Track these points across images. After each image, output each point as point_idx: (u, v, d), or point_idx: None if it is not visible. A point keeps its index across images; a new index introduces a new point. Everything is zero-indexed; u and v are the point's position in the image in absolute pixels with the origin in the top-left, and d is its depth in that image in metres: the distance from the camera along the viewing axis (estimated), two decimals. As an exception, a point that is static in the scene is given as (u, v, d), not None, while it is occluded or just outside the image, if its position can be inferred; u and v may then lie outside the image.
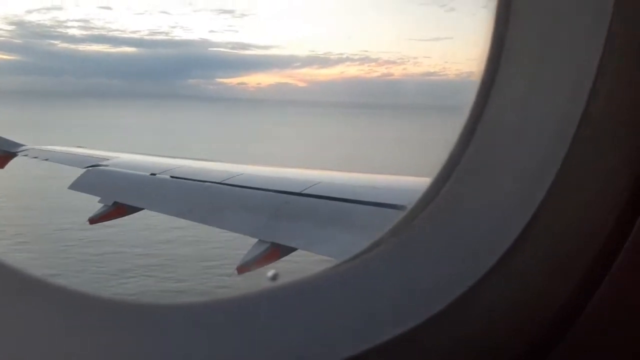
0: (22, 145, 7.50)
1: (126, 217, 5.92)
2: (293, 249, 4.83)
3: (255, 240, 4.88)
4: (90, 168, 6.33)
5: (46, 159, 7.14)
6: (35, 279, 1.11)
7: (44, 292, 1.12)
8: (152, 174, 6.14)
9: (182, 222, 6.55)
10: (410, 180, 5.28)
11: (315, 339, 1.12)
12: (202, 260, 15.45)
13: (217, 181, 5.72)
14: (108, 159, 6.58)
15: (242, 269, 4.78)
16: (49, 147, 7.64)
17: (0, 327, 1.05)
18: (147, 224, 15.37)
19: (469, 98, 1.15)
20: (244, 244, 5.19)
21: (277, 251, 4.78)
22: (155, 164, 6.47)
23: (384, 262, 1.17)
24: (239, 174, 5.83)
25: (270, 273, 3.04)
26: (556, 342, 1.14)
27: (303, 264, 4.49)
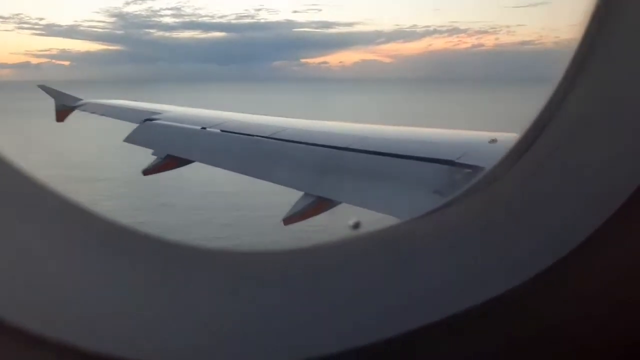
0: (80, 99, 7.84)
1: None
2: (338, 203, 4.72)
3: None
4: (145, 122, 6.47)
5: (102, 114, 7.41)
6: (130, 230, 1.15)
7: (137, 243, 1.16)
8: (203, 128, 6.16)
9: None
10: (462, 135, 5.01)
11: (417, 292, 1.10)
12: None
13: (265, 135, 5.67)
14: (161, 112, 6.69)
15: (288, 220, 4.74)
16: (106, 101, 7.94)
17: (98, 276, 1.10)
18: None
19: (565, 62, 1.07)
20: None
21: (323, 204, 4.71)
22: (207, 117, 6.52)
23: (468, 220, 1.12)
24: (287, 128, 5.75)
25: (352, 222, 2.96)
26: None
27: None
